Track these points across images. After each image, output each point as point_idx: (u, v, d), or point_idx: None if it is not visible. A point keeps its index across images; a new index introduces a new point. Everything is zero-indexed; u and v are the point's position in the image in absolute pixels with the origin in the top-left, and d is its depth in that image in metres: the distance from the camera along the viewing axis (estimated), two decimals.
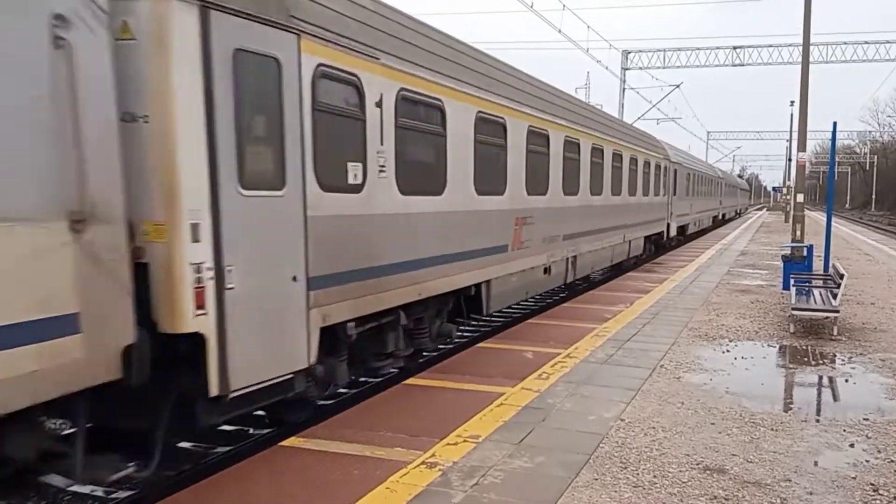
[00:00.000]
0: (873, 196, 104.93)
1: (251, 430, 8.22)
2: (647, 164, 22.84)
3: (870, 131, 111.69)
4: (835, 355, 9.93)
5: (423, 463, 5.75)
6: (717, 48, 45.40)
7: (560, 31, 32.46)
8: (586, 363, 9.12)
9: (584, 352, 9.75)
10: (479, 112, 10.28)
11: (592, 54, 37.44)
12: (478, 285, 10.66)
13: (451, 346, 12.21)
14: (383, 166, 7.83)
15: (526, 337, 10.95)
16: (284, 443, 6.34)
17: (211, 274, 5.42)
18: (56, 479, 6.25)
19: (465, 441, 6.25)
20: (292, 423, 8.28)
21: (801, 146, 20.93)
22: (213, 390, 5.46)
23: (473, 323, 15.83)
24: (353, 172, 7.39)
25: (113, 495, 6.56)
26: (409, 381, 8.47)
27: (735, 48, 44.48)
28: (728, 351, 10.11)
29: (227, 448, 7.69)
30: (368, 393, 8.68)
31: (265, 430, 8.20)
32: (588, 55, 36.70)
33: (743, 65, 44.75)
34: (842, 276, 12.67)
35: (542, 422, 6.81)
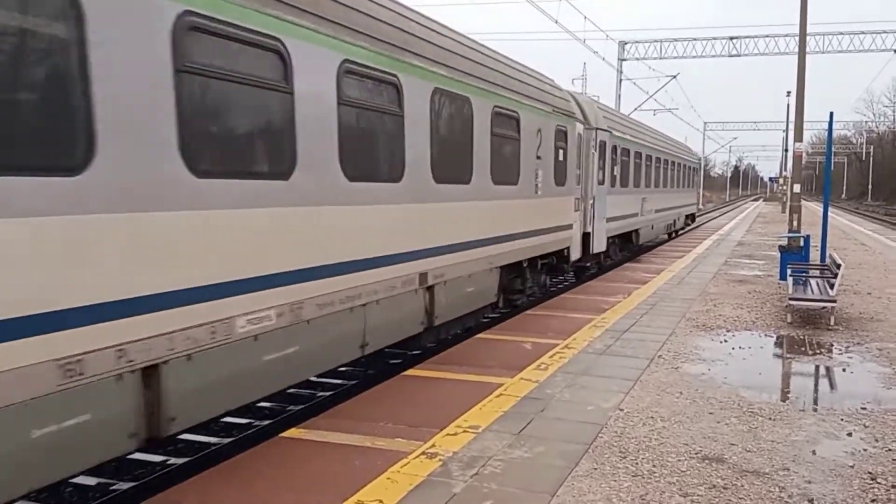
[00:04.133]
0: (869, 186, 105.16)
1: (253, 422, 8.24)
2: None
3: (866, 121, 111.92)
4: (832, 345, 9.97)
5: (423, 453, 5.78)
6: (714, 39, 45.35)
7: (556, 22, 32.25)
8: (585, 354, 9.15)
9: (582, 342, 9.78)
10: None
11: (589, 45, 37.33)
12: None
13: (449, 338, 12.25)
14: None
15: (524, 328, 10.98)
16: (285, 434, 6.37)
17: None
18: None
19: (464, 431, 6.27)
20: (292, 415, 8.32)
21: (798, 136, 20.96)
22: None
23: None
24: None
25: (113, 487, 6.59)
26: (408, 372, 8.49)
27: (732, 39, 44.40)
28: (726, 341, 10.14)
29: (229, 439, 7.72)
30: (368, 384, 8.71)
31: (266, 422, 8.23)
32: (585, 46, 36.64)
33: (739, 55, 44.63)
34: (839, 266, 12.71)
35: (542, 412, 6.84)
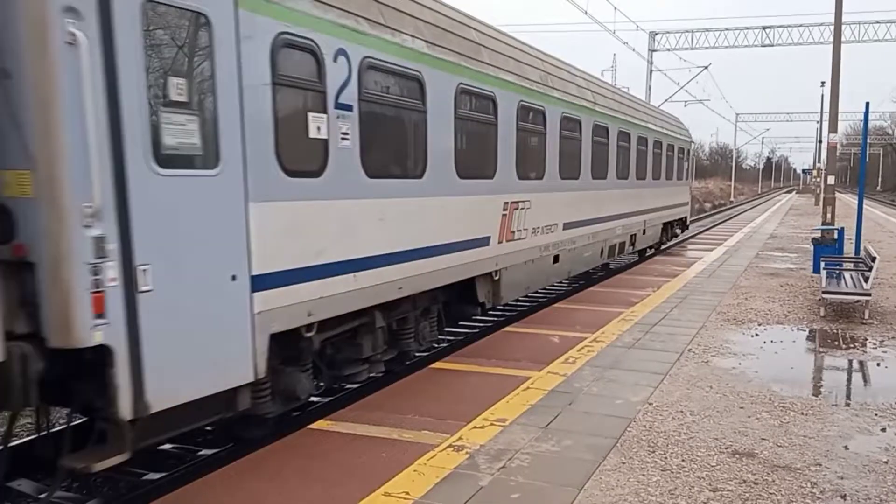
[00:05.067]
0: None
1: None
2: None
3: None
4: (866, 339, 9.81)
5: (450, 446, 5.78)
6: (747, 28, 44.58)
7: (586, 13, 32.04)
8: (613, 347, 9.08)
9: (611, 336, 9.71)
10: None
11: (619, 36, 36.99)
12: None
13: (476, 331, 12.23)
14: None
15: (552, 321, 10.93)
16: (313, 426, 6.40)
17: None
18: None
19: (491, 424, 6.26)
20: (320, 407, 8.37)
21: (833, 127, 20.62)
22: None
23: (500, 308, 15.86)
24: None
25: (144, 478, 6.67)
26: (436, 364, 8.50)
27: (764, 28, 43.71)
28: (757, 335, 10.02)
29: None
30: (395, 377, 8.73)
31: (294, 413, 8.28)
32: (615, 37, 36.34)
33: (773, 45, 43.89)
34: (873, 259, 12.49)
35: (569, 406, 6.81)
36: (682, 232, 25.62)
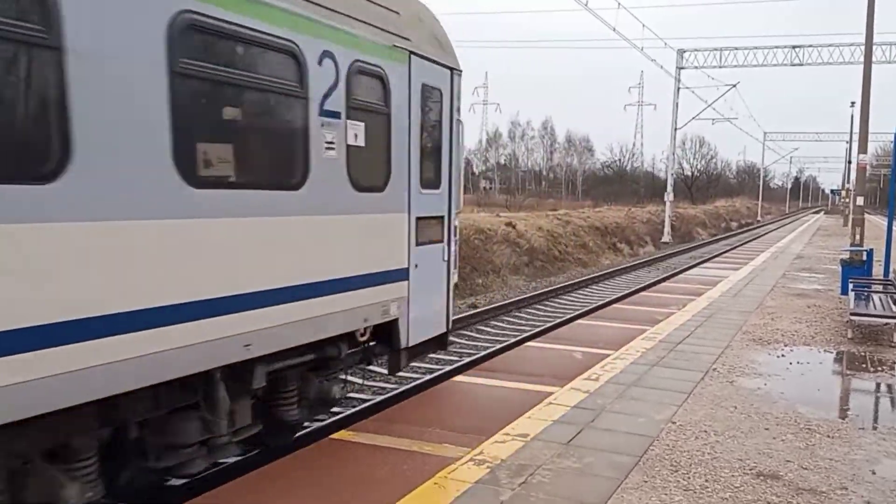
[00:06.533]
0: None
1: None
2: None
3: None
4: (894, 363, 9.66)
5: (471, 460, 5.77)
6: (776, 47, 44.24)
7: (615, 30, 32.03)
8: (637, 365, 9.02)
9: (634, 353, 9.65)
10: None
11: (647, 53, 36.73)
12: None
13: (498, 347, 12.21)
14: None
15: (575, 337, 10.88)
16: (335, 436, 6.41)
17: None
18: None
19: (513, 439, 6.24)
20: (342, 418, 8.38)
21: (862, 148, 20.38)
22: None
23: (522, 323, 15.84)
24: None
25: (168, 483, 6.71)
26: (458, 378, 8.49)
27: (794, 47, 43.35)
28: (783, 356, 9.91)
29: None
30: (417, 389, 8.73)
31: (316, 424, 8.30)
32: (642, 54, 36.28)
33: (802, 64, 43.55)
34: None
35: (592, 422, 6.77)
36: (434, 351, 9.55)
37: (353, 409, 8.74)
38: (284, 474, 5.54)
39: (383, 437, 6.32)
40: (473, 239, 24.18)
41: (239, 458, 7.24)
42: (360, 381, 8.44)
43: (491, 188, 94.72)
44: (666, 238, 43.43)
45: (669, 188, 45.07)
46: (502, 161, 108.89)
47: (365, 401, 9.24)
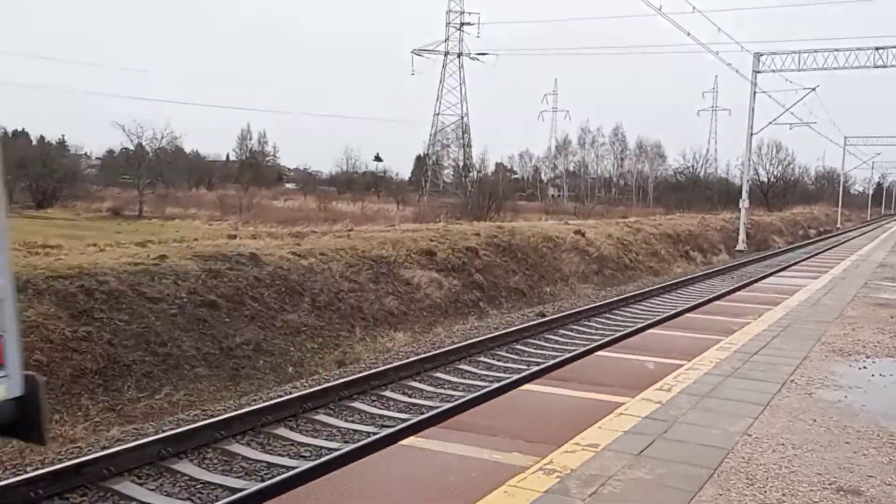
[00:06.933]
0: None
1: (373, 428, 8.44)
2: None
3: None
4: None
5: (540, 469, 5.74)
6: (858, 49, 42.77)
7: (689, 34, 31.47)
8: (711, 375, 8.84)
9: (708, 364, 9.45)
10: None
11: (722, 57, 35.92)
12: None
13: (568, 356, 12.13)
14: None
15: (647, 347, 10.74)
16: (404, 442, 6.48)
17: None
18: None
19: (583, 449, 6.19)
20: (411, 425, 8.46)
21: None
22: None
23: (591, 332, 15.70)
24: None
25: (242, 486, 6.89)
26: (527, 386, 8.47)
27: (877, 49, 41.87)
28: (865, 367, 9.57)
29: (352, 445, 7.93)
30: (486, 397, 8.75)
31: (385, 430, 8.40)
32: (718, 58, 35.53)
33: (886, 66, 42.02)
34: None
35: (664, 434, 6.66)
36: None
37: (422, 416, 8.81)
38: (356, 478, 5.62)
39: (452, 444, 6.35)
40: (541, 247, 24.08)
41: (313, 463, 7.39)
42: None
43: (559, 195, 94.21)
44: (740, 246, 42.40)
45: (745, 194, 44.02)
46: (571, 168, 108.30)
47: (433, 408, 9.30)
